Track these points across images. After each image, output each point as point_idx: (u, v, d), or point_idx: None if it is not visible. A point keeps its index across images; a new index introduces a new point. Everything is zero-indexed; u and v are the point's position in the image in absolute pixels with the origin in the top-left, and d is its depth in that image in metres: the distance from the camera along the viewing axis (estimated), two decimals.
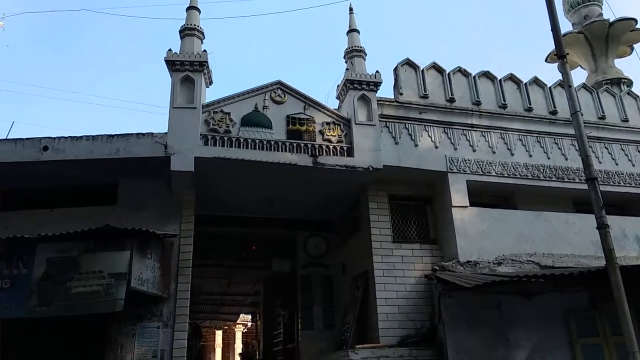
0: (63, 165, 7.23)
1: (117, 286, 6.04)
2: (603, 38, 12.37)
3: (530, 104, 8.94)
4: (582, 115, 6.11)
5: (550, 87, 9.23)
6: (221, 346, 24.75)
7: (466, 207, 7.89)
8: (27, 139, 7.19)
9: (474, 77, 8.87)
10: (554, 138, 8.86)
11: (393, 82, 8.56)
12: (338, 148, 7.80)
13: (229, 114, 7.59)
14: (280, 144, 7.58)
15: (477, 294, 6.82)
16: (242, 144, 7.45)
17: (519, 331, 6.76)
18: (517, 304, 6.84)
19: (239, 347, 22.74)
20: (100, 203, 7.56)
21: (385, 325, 7.37)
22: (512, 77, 9.12)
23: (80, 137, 7.23)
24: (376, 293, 7.53)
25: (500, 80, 8.99)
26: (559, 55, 6.38)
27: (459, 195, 7.92)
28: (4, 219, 7.38)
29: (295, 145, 7.63)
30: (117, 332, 6.98)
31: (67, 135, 7.22)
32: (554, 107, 9.04)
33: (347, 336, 7.69)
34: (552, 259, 7.67)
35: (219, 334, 24.29)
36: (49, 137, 7.19)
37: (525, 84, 9.13)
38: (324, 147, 7.74)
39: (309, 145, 7.68)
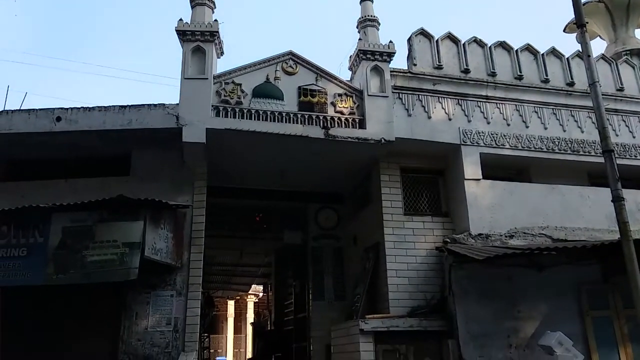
0: (76, 136, 7.30)
1: (131, 255, 6.13)
2: (624, 7, 11.98)
3: (546, 75, 8.75)
4: (600, 86, 5.97)
5: (567, 58, 9.02)
6: (233, 316, 25.24)
7: (479, 180, 7.82)
8: (40, 109, 7.23)
9: (490, 47, 8.69)
10: (570, 110, 8.70)
11: (407, 52, 8.42)
12: (350, 120, 7.74)
13: (240, 85, 7.54)
14: (291, 115, 7.54)
15: (488, 266, 6.81)
16: (253, 115, 7.41)
17: (529, 303, 6.77)
18: (529, 277, 6.84)
19: (250, 316, 23.16)
20: (114, 174, 7.62)
21: (396, 297, 7.43)
22: (528, 48, 8.92)
23: (93, 108, 7.26)
24: (387, 265, 7.57)
25: (516, 50, 8.80)
26: (578, 24, 6.21)
27: (472, 168, 7.85)
28: (20, 188, 7.48)
29: (306, 117, 7.58)
30: (132, 300, 7.12)
31: (79, 106, 7.27)
32: (571, 78, 8.85)
33: (357, 306, 7.77)
34: (565, 233, 7.62)
35: (231, 304, 24.74)
36: (61, 108, 7.23)
37: (542, 54, 8.93)
38: (335, 119, 7.68)
39: (321, 117, 7.63)
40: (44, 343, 6.89)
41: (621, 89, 9.11)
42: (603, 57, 9.49)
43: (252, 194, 9.53)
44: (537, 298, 6.80)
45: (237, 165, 8.39)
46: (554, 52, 9.03)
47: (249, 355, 18.67)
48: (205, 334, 12.20)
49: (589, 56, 6.00)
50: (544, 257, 6.75)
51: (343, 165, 8.48)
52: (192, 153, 7.50)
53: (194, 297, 7.21)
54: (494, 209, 7.70)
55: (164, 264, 6.87)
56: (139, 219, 6.32)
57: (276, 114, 7.49)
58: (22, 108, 7.39)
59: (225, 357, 22.11)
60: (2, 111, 7.25)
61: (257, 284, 19.29)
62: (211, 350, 14.44)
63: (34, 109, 7.22)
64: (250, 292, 22.03)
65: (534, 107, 8.54)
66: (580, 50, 7.61)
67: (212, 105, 7.32)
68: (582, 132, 8.60)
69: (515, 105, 8.46)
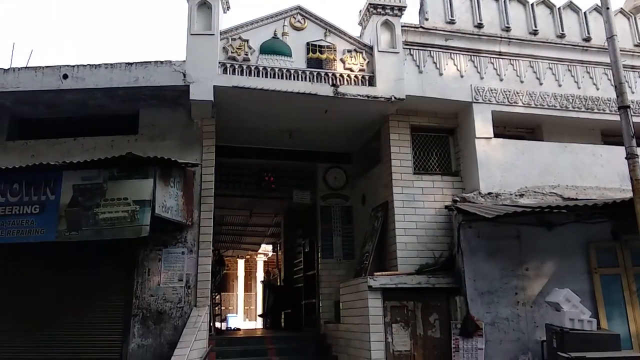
0: (84, 94, 7.27)
1: (142, 212, 6.18)
2: None
3: (562, 30, 8.49)
4: (617, 40, 5.78)
5: (585, 12, 8.72)
6: (243, 274, 25.72)
7: (490, 138, 7.73)
8: (46, 66, 7.18)
9: (505, 0, 8.40)
10: (586, 67, 8.48)
11: (418, 6, 8.17)
12: (359, 77, 7.61)
13: (247, 41, 7.40)
14: (300, 72, 7.42)
15: (497, 225, 6.81)
16: (261, 72, 7.31)
17: (537, 261, 6.79)
18: (538, 235, 6.83)
19: (260, 275, 23.58)
20: (122, 133, 7.62)
21: (404, 255, 7.48)
22: (544, 2, 8.62)
23: (99, 65, 7.18)
24: (395, 224, 7.59)
25: (532, 4, 8.51)
26: None
27: (483, 126, 7.74)
28: (30, 147, 7.54)
29: (315, 74, 7.46)
30: (144, 257, 7.25)
31: (86, 63, 7.18)
32: (588, 33, 8.58)
33: (365, 264, 7.85)
34: (576, 192, 7.56)
35: (241, 263, 25.17)
36: (68, 65, 7.17)
37: (559, 8, 8.63)
38: (344, 76, 7.55)
39: (330, 75, 7.51)
40: (59, 298, 7.09)
41: (639, 45, 8.83)
42: (622, 11, 9.16)
43: (260, 153, 9.53)
44: (545, 256, 6.81)
45: (245, 124, 8.34)
46: (570, 5, 8.73)
47: (259, 312, 19.07)
48: (217, 292, 12.48)
49: (607, 8, 5.79)
50: (554, 216, 6.73)
51: (352, 124, 8.40)
52: (200, 111, 7.45)
53: (205, 255, 7.31)
54: (504, 168, 7.63)
55: (175, 221, 6.94)
56: (149, 177, 6.33)
57: (284, 71, 7.37)
58: (28, 66, 7.33)
59: (236, 314, 22.66)
60: (8, 69, 7.21)
61: (267, 244, 19.54)
62: (222, 308, 14.76)
63: (40, 67, 7.16)
64: (259, 251, 22.35)
65: (549, 63, 8.32)
66: (598, 4, 7.37)
67: (219, 62, 7.22)
68: (597, 89, 8.41)
69: (529, 61, 8.25)
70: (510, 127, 8.42)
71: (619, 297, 6.63)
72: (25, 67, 7.24)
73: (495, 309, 6.64)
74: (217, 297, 12.68)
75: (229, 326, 13.56)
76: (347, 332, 7.78)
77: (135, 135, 7.61)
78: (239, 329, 13.67)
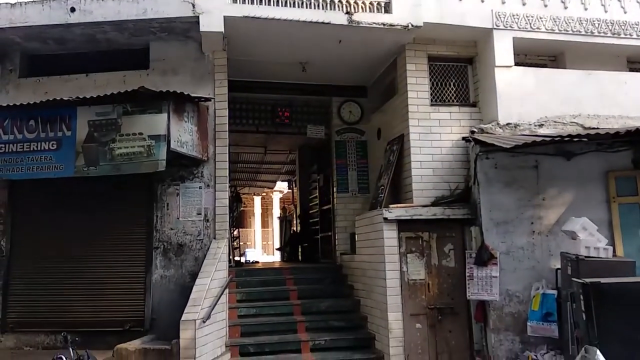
0: (92, 28, 7.13)
1: (157, 147, 6.20)
2: None
3: None
4: None
5: None
6: (260, 211, 26.21)
7: (510, 67, 7.46)
8: (53, 0, 6.99)
9: None
10: None
11: None
12: (375, 4, 7.30)
13: None
14: (312, 0, 7.14)
15: (515, 155, 6.73)
16: (272, 1, 7.05)
17: (555, 191, 6.74)
18: (556, 165, 6.74)
19: (276, 212, 24.01)
20: (134, 67, 7.52)
21: (419, 187, 7.47)
22: None
23: None
24: (411, 156, 7.53)
25: None
26: None
27: (503, 54, 7.45)
28: (43, 84, 7.51)
29: (328, 1, 7.17)
30: (162, 192, 7.37)
31: None
32: None
33: (381, 198, 7.88)
34: (598, 121, 7.36)
35: (257, 200, 25.59)
36: None
37: None
38: (359, 3, 7.24)
39: (343, 2, 7.21)
40: (84, 232, 7.31)
41: None
42: None
43: (274, 88, 9.40)
44: (563, 186, 6.75)
45: (257, 57, 8.15)
46: None
47: (277, 246, 19.59)
48: (235, 227, 12.78)
49: None
50: (573, 145, 6.60)
51: (367, 55, 8.16)
52: (210, 44, 7.29)
53: (222, 189, 7.40)
54: (524, 98, 7.41)
55: (191, 156, 6.97)
56: (163, 112, 6.29)
57: None
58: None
59: (254, 248, 23.30)
60: (15, 3, 7.04)
61: (282, 181, 19.70)
62: (241, 243, 15.17)
63: (47, 0, 6.98)
64: (275, 189, 22.61)
65: None
66: None
67: None
68: (625, 12, 7.96)
69: None
70: (531, 55, 8.11)
71: (636, 226, 6.60)
72: (32, 1, 7.05)
73: (511, 238, 6.68)
74: (235, 231, 13.01)
75: (247, 259, 13.96)
76: (362, 263, 7.96)
77: (147, 70, 7.51)
78: (257, 262, 14.09)
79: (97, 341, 6.67)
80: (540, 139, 6.20)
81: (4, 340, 7.19)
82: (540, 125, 7.22)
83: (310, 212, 12.41)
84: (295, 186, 15.00)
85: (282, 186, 21.43)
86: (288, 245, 13.92)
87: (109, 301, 7.13)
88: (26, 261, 7.33)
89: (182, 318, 6.02)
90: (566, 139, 6.05)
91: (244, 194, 20.02)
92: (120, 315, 7.09)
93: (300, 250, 12.76)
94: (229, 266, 7.62)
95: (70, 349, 4.78)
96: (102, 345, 6.56)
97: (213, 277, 6.64)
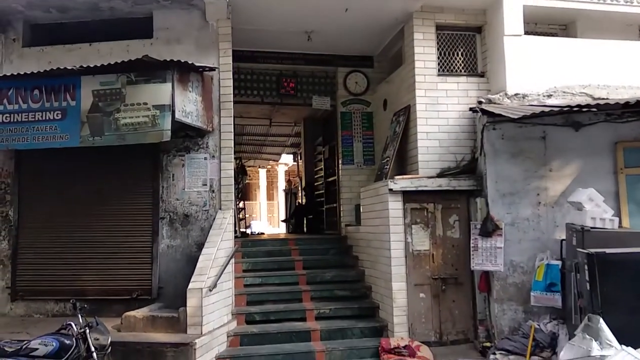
0: None
1: (162, 117, 6.18)
2: None
3: None
4: None
5: None
6: (265, 184, 26.26)
7: (520, 36, 7.31)
8: None
9: None
10: None
11: None
12: None
13: None
14: None
15: (523, 126, 6.67)
16: None
17: (562, 162, 6.68)
18: (564, 136, 6.67)
19: (282, 184, 24.05)
20: (137, 37, 7.45)
21: (425, 159, 7.43)
22: None
23: None
24: (417, 127, 7.47)
25: None
26: None
27: (513, 23, 7.29)
28: (46, 54, 7.47)
29: None
30: (168, 162, 7.39)
31: None
32: None
33: (386, 169, 7.86)
34: (607, 91, 7.23)
35: (262, 173, 25.60)
36: None
37: None
38: None
39: None
40: (91, 202, 7.36)
41: None
42: None
43: (279, 58, 9.32)
44: (570, 157, 6.69)
45: (262, 26, 8.03)
46: None
47: (282, 217, 19.69)
48: (240, 199, 12.83)
49: None
50: (582, 115, 6.53)
51: (374, 23, 8.02)
52: (214, 12, 7.21)
53: (227, 160, 7.40)
54: (533, 68, 7.28)
55: (195, 127, 6.94)
56: (167, 81, 6.23)
57: None
58: None
59: (260, 221, 23.44)
60: None
61: (287, 154, 19.68)
62: (246, 215, 15.28)
63: None
64: (280, 162, 22.59)
65: None
66: None
67: None
68: None
69: None
70: (542, 24, 7.95)
71: None
72: None
73: (516, 209, 6.67)
74: (241, 203, 13.06)
75: (253, 231, 14.06)
76: (367, 234, 7.99)
77: (151, 40, 7.43)
78: (262, 233, 14.19)
79: (105, 309, 6.81)
80: (549, 109, 6.12)
81: (14, 308, 7.33)
82: (549, 96, 7.11)
83: (316, 184, 12.43)
84: (301, 159, 14.97)
85: (287, 159, 21.41)
86: (293, 217, 13.98)
87: (117, 270, 7.22)
88: (34, 230, 7.41)
89: (189, 287, 6.10)
90: (575, 109, 5.97)
91: (249, 166, 20.03)
92: (128, 284, 7.19)
93: (305, 222, 12.82)
94: (235, 237, 7.67)
95: (79, 316, 4.84)
96: (111, 313, 6.69)
97: (219, 247, 6.69)
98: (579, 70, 7.38)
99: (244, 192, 15.29)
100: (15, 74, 6.45)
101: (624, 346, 4.10)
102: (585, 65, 7.40)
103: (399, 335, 6.72)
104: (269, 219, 26.09)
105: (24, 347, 4.64)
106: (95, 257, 7.26)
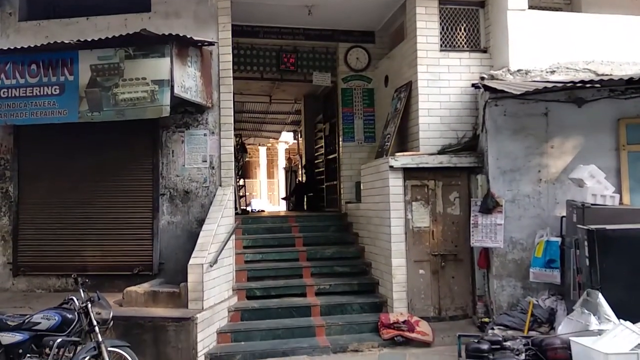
0: None
1: (161, 92, 6.12)
2: None
3: None
4: None
5: None
6: (266, 162, 26.23)
7: (524, 10, 7.18)
8: None
9: None
10: None
11: None
12: None
13: None
14: None
15: (525, 102, 6.61)
16: None
17: (564, 138, 6.64)
18: (567, 112, 6.61)
19: (282, 163, 24.02)
20: (135, 10, 7.34)
21: (426, 135, 7.38)
22: None
23: None
24: (419, 104, 7.40)
25: None
26: None
27: None
28: (43, 28, 7.37)
29: None
30: (167, 138, 7.36)
31: None
32: None
33: (387, 146, 7.81)
34: (611, 67, 7.14)
35: (262, 151, 25.55)
36: None
37: None
38: None
39: None
40: (92, 178, 7.37)
41: None
42: None
43: (279, 33, 9.18)
44: (572, 134, 6.64)
45: (262, 0, 7.89)
46: None
47: (282, 196, 19.73)
48: (240, 177, 12.82)
49: None
50: (585, 92, 6.46)
51: None
52: None
53: (227, 136, 7.36)
54: (537, 43, 7.17)
55: (195, 103, 6.89)
56: (165, 56, 6.16)
57: None
58: None
59: (260, 199, 23.48)
60: None
61: (287, 131, 19.61)
62: (247, 193, 15.27)
63: None
64: (280, 139, 22.53)
65: None
66: None
67: None
68: None
69: None
70: None
71: None
72: None
73: (517, 186, 6.65)
74: (241, 181, 13.05)
75: (253, 208, 14.09)
76: (367, 211, 8.00)
77: (149, 13, 7.33)
78: (263, 211, 14.21)
79: (107, 284, 6.86)
80: (552, 85, 6.06)
81: (16, 283, 7.39)
82: (552, 72, 7.02)
83: (316, 161, 12.40)
84: (301, 137, 14.91)
85: (287, 137, 21.33)
86: (293, 195, 14.00)
87: (118, 246, 7.25)
88: (34, 206, 7.42)
89: (190, 262, 6.13)
90: (578, 84, 5.91)
91: (249, 144, 19.96)
92: (129, 260, 7.22)
93: (305, 200, 12.84)
94: (235, 214, 7.67)
95: (81, 291, 4.87)
96: (112, 289, 6.73)
97: (219, 223, 6.70)
98: (583, 45, 7.27)
99: (244, 170, 15.27)
100: (12, 48, 6.36)
101: (622, 320, 4.12)
102: (589, 41, 7.28)
103: (398, 311, 6.78)
104: (269, 197, 26.13)
105: (26, 321, 4.67)
106: (96, 233, 7.28)
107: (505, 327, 6.02)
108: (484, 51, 7.63)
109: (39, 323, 4.64)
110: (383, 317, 6.62)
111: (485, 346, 3.44)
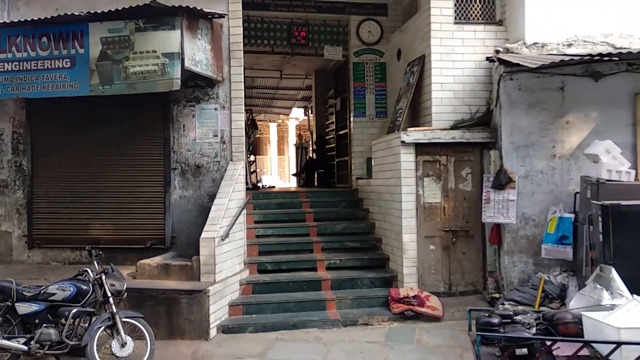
0: None
1: (172, 66, 6.07)
2: None
3: None
4: None
5: None
6: (276, 139, 26.20)
7: None
8: None
9: None
10: None
11: None
12: None
13: None
14: None
15: (541, 76, 6.48)
16: None
17: (579, 113, 6.52)
18: (583, 87, 6.47)
19: (292, 139, 23.97)
20: None
21: (439, 110, 7.28)
22: None
23: None
24: (432, 78, 7.28)
25: None
26: None
27: None
28: (54, 0, 7.28)
29: None
30: (178, 113, 7.35)
31: None
32: None
33: (399, 121, 7.74)
34: (630, 41, 6.93)
35: (273, 127, 25.50)
36: None
37: None
38: None
39: None
40: (101, 149, 7.40)
41: None
42: None
43: (290, 5, 9.07)
44: (588, 109, 6.52)
45: None
46: None
47: (293, 172, 19.74)
48: (251, 154, 12.82)
49: None
50: (603, 65, 6.32)
51: None
52: None
53: (238, 111, 7.34)
54: (553, 16, 6.97)
55: (205, 76, 6.85)
56: (176, 28, 6.09)
57: None
58: None
59: (270, 175, 23.53)
60: None
61: (298, 107, 19.49)
62: (257, 170, 15.29)
63: None
64: (291, 116, 22.44)
65: None
66: None
67: None
68: None
69: None
70: None
71: None
72: None
73: (530, 162, 6.57)
74: (252, 156, 13.06)
75: (264, 184, 14.13)
76: (378, 187, 7.98)
77: None
78: (273, 186, 14.25)
79: (120, 257, 6.97)
80: (569, 58, 5.91)
81: (31, 256, 7.52)
82: (569, 45, 6.85)
83: (327, 137, 12.34)
84: (312, 112, 14.83)
85: (298, 113, 21.23)
86: (304, 171, 13.99)
87: (131, 219, 7.33)
88: (48, 180, 7.50)
89: (202, 236, 6.18)
90: (596, 58, 5.78)
91: (259, 120, 19.89)
92: (141, 234, 7.30)
93: (316, 176, 12.83)
94: (246, 189, 7.69)
95: (95, 263, 4.94)
96: (125, 262, 6.85)
97: (231, 197, 6.73)
98: (601, 18, 7.05)
99: (254, 146, 15.25)
100: (23, 20, 6.33)
101: (635, 295, 4.09)
102: (607, 13, 7.06)
103: (409, 286, 6.80)
104: (279, 173, 26.19)
105: (42, 292, 4.77)
106: (109, 207, 7.36)
107: (515, 302, 6.02)
108: (499, 24, 7.46)
109: (55, 294, 4.74)
110: (393, 292, 6.65)
111: (495, 320, 3.43)
